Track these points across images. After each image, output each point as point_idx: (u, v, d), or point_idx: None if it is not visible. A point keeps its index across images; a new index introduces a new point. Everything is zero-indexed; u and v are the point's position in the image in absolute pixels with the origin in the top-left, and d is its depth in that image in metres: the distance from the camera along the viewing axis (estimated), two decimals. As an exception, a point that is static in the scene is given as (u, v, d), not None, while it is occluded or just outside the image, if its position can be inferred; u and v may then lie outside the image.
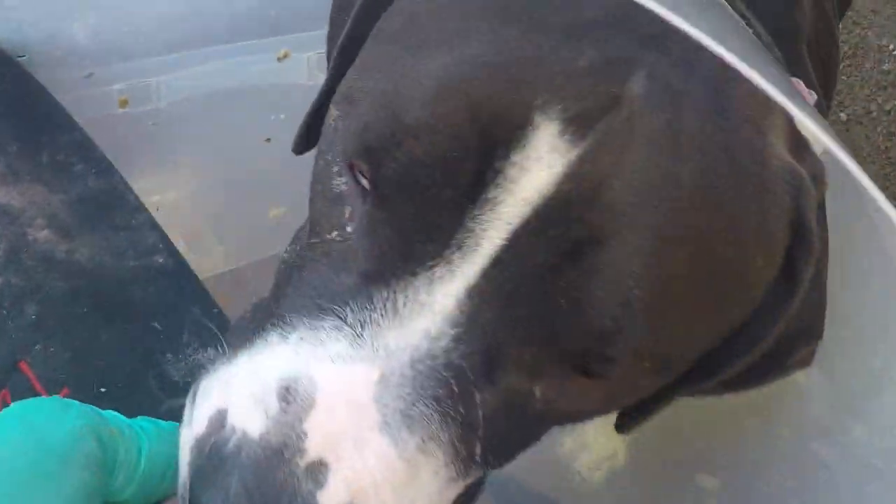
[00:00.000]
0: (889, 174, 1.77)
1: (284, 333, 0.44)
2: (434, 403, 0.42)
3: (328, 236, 0.46)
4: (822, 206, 0.53)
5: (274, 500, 0.40)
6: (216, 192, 1.04)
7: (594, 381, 0.45)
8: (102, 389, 0.62)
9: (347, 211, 0.45)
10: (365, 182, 0.44)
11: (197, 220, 1.02)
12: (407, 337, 0.42)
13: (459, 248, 0.41)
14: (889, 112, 1.82)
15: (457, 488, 0.46)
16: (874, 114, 1.82)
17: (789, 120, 0.51)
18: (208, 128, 1.01)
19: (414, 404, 0.42)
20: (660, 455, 0.88)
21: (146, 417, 0.48)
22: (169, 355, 0.70)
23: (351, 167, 0.44)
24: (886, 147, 1.79)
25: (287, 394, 0.41)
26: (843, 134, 1.78)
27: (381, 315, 0.42)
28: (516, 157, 0.41)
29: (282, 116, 1.03)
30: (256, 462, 0.40)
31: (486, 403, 0.44)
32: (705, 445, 0.87)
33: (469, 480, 0.47)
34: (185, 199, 1.03)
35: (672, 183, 0.41)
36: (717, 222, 0.43)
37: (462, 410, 0.43)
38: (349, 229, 0.45)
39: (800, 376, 0.87)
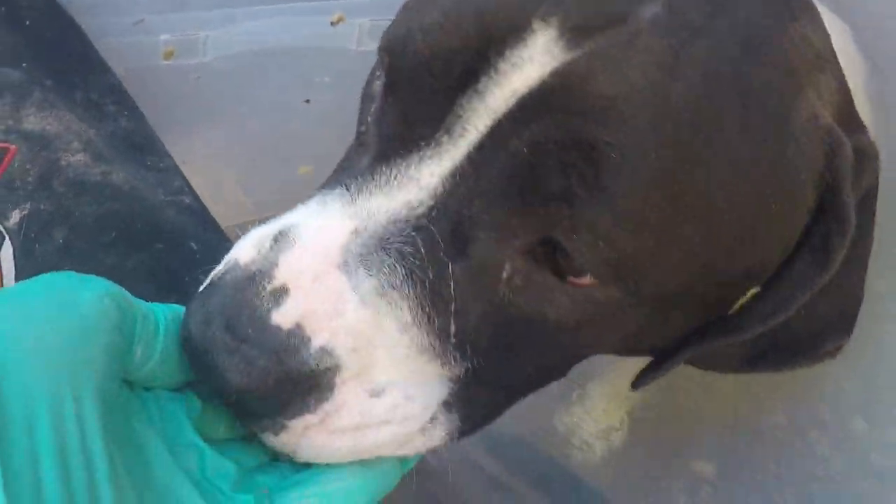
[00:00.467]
0: None
1: (305, 202, 0.51)
2: (398, 256, 0.47)
3: (361, 129, 0.53)
4: (870, 195, 0.54)
5: (237, 314, 0.46)
6: (248, 148, 1.04)
7: (563, 286, 0.48)
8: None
9: (372, 108, 0.51)
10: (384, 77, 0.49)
11: (225, 173, 1.03)
12: (389, 203, 0.47)
13: (448, 132, 0.46)
14: None
15: (434, 370, 0.49)
16: None
17: (844, 91, 0.52)
18: (251, 85, 1.01)
19: (374, 252, 0.47)
20: (657, 438, 0.89)
21: (164, 303, 0.49)
22: (200, 276, 0.72)
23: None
24: None
25: (279, 237, 0.48)
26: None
27: (376, 186, 0.48)
28: (510, 55, 0.45)
29: (326, 79, 1.02)
30: (234, 283, 0.47)
31: (456, 275, 0.47)
32: (702, 431, 0.87)
33: (450, 372, 0.50)
34: (217, 153, 1.03)
35: (661, 94, 0.43)
36: (713, 148, 0.44)
37: (431, 275, 0.47)
38: (370, 120, 0.51)
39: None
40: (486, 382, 0.52)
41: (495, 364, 0.51)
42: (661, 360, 0.57)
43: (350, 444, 0.49)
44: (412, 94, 0.48)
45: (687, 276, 0.48)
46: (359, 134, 0.53)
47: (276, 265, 0.47)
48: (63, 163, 0.67)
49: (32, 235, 0.66)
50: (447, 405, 0.51)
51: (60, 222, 0.67)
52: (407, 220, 0.47)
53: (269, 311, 0.46)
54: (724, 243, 0.47)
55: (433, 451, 0.53)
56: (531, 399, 0.94)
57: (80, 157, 0.69)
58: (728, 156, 0.45)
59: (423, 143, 0.47)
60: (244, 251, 0.49)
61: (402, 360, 0.48)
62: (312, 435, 0.48)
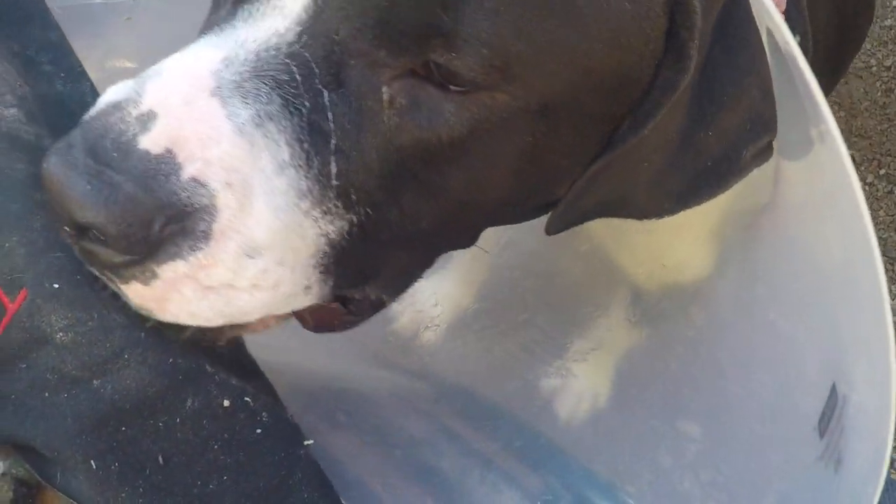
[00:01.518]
0: (886, 130, 1.73)
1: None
2: (274, 85, 0.45)
3: None
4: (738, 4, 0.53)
5: (101, 137, 0.43)
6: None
7: (448, 94, 0.46)
8: (56, 286, 0.57)
9: None
10: None
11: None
12: (256, 32, 0.46)
13: None
14: (889, 68, 1.78)
15: (312, 223, 0.47)
16: (874, 69, 1.78)
17: None
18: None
19: (250, 80, 0.45)
20: (642, 398, 0.87)
21: None
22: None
23: None
24: (885, 103, 1.75)
25: (149, 74, 0.46)
26: (842, 87, 1.74)
27: (240, 20, 0.47)
28: None
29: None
30: (98, 113, 0.45)
31: (333, 104, 0.46)
32: (687, 391, 0.85)
33: (329, 226, 0.47)
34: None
35: None
36: None
37: (308, 105, 0.46)
38: None
39: (783, 325, 0.84)
40: (373, 244, 0.49)
41: (384, 216, 0.49)
42: (569, 200, 0.55)
43: (220, 305, 0.46)
44: None
45: (568, 78, 0.48)
46: None
47: (143, 92, 0.45)
48: (-5, 111, 0.60)
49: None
50: (322, 274, 0.49)
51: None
52: (278, 47, 0.46)
53: (135, 135, 0.43)
54: (596, 47, 0.48)
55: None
56: (514, 362, 0.92)
57: (13, 111, 0.62)
58: None
59: None
60: (111, 91, 0.47)
61: (280, 209, 0.45)
62: (183, 287, 0.45)
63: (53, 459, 0.58)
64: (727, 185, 0.57)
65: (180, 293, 0.46)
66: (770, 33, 0.54)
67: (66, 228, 0.46)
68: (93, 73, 0.70)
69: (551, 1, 0.45)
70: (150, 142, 0.43)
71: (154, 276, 0.45)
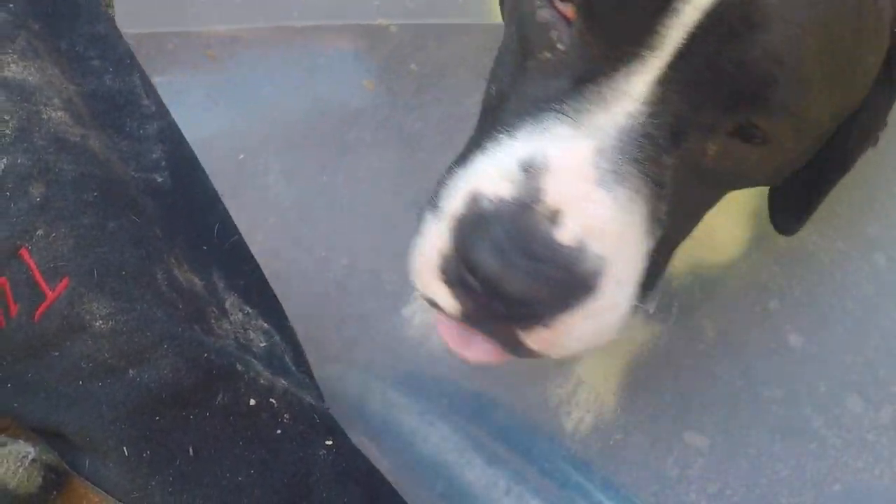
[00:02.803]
0: None
1: (512, 132, 0.57)
2: (636, 164, 0.54)
3: (539, 55, 0.58)
4: None
5: (525, 239, 0.53)
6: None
7: (754, 147, 0.57)
8: (101, 277, 0.58)
9: (555, 34, 0.57)
10: (566, 8, 0.56)
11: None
12: (613, 117, 0.54)
13: (650, 47, 0.53)
14: None
15: (649, 243, 0.58)
16: None
17: None
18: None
19: (622, 165, 0.54)
20: (649, 409, 0.87)
21: None
22: (173, 260, 0.66)
23: (551, 1, 0.57)
24: None
25: (527, 166, 0.54)
26: None
27: (592, 104, 0.55)
28: None
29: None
30: (511, 214, 0.53)
31: (671, 165, 0.56)
32: (696, 404, 0.85)
33: (653, 241, 0.58)
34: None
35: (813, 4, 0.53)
36: (845, 20, 0.55)
37: (655, 170, 0.55)
38: (560, 46, 0.57)
39: (795, 342, 0.85)
40: (658, 251, 0.60)
41: (677, 228, 0.61)
42: (807, 199, 0.69)
43: (596, 326, 0.57)
44: (611, 20, 0.53)
45: (825, 123, 0.59)
46: (537, 60, 0.58)
47: (544, 191, 0.54)
48: (44, 116, 0.61)
49: (7, 193, 0.59)
50: (639, 279, 0.59)
51: (38, 178, 0.60)
52: (633, 129, 0.54)
53: (551, 232, 0.53)
54: (842, 94, 0.58)
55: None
56: (524, 370, 0.92)
57: (60, 114, 0.63)
58: (853, 26, 0.55)
59: (628, 60, 0.54)
60: (498, 186, 0.55)
61: (640, 253, 0.57)
62: (577, 324, 0.55)
63: (84, 446, 0.58)
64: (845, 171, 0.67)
65: (574, 328, 0.56)
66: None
67: (491, 305, 0.55)
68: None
69: (841, 76, 0.56)
70: (567, 237, 0.53)
71: (557, 320, 0.55)
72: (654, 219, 0.57)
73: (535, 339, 0.57)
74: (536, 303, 0.54)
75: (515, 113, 0.58)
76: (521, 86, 0.59)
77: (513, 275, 0.52)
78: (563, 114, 0.55)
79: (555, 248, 0.53)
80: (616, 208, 0.54)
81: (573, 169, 0.54)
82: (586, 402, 0.89)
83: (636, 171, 0.54)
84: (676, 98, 0.54)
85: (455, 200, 0.56)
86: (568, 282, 0.54)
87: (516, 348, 0.59)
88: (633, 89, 0.54)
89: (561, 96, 0.55)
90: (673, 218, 0.59)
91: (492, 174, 0.55)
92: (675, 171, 0.56)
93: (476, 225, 0.54)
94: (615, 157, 0.54)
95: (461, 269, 0.55)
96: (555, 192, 0.54)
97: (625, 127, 0.54)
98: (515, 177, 0.54)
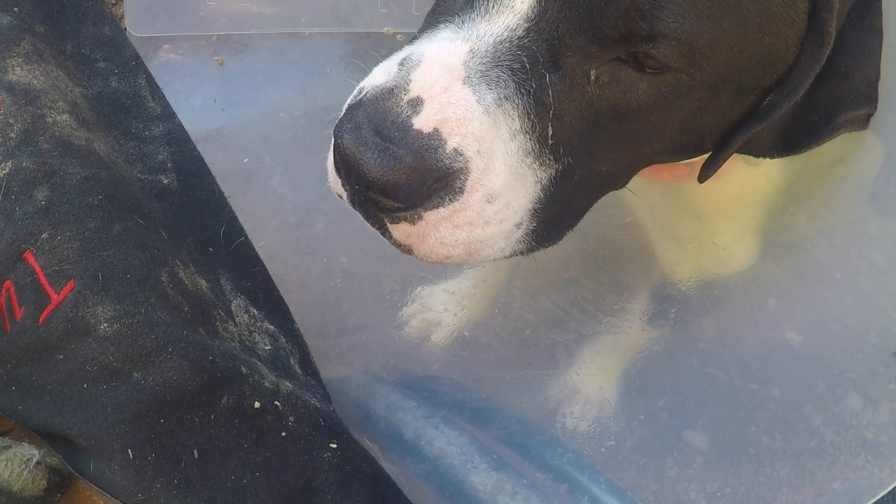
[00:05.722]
0: None
1: (412, 41, 0.59)
2: (510, 72, 0.56)
3: None
4: None
5: (382, 121, 0.55)
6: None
7: (643, 76, 0.57)
8: (106, 280, 0.57)
9: None
10: None
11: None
12: (493, 27, 0.57)
13: None
14: None
15: (541, 173, 0.59)
16: None
17: None
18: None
19: (492, 69, 0.56)
20: (649, 409, 0.85)
21: None
22: (179, 262, 0.64)
23: None
24: None
25: (403, 62, 0.57)
26: None
27: (478, 15, 0.57)
28: None
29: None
30: (374, 98, 0.56)
31: (553, 85, 0.57)
32: (695, 403, 0.84)
33: (543, 174, 0.59)
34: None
35: None
36: None
37: (534, 85, 0.56)
38: None
39: (794, 340, 0.83)
40: (564, 189, 0.61)
41: (579, 162, 0.60)
42: (715, 152, 0.67)
43: (463, 237, 0.58)
44: None
45: (732, 61, 0.59)
46: None
47: (410, 80, 0.56)
48: (49, 120, 0.60)
49: (13, 197, 0.58)
50: (531, 212, 0.60)
51: (43, 182, 0.59)
52: (510, 41, 0.56)
53: (409, 117, 0.55)
54: (755, 36, 0.59)
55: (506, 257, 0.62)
56: (522, 370, 0.90)
57: (65, 117, 0.62)
58: None
59: None
60: (376, 77, 0.58)
61: (511, 166, 0.57)
62: (440, 226, 0.57)
63: (88, 449, 0.57)
64: (819, 140, 0.67)
65: (437, 230, 0.58)
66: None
67: (356, 186, 0.57)
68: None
69: (726, 5, 0.57)
70: (422, 123, 0.55)
71: (420, 218, 0.57)
72: (540, 141, 0.58)
73: (400, 231, 0.58)
74: (391, 187, 0.55)
75: (422, 27, 0.61)
76: (435, 5, 0.63)
77: (363, 152, 0.54)
78: (450, 23, 0.58)
79: (406, 130, 0.55)
80: (479, 109, 0.56)
81: (442, 64, 0.56)
82: (587, 404, 0.88)
83: (511, 81, 0.56)
84: (556, 17, 0.56)
85: (350, 97, 0.59)
86: (421, 170, 0.55)
87: (391, 239, 0.60)
88: (516, 5, 0.56)
89: (456, 10, 0.59)
90: (572, 154, 0.60)
91: (377, 71, 0.59)
92: (559, 93, 0.57)
93: (348, 112, 0.57)
94: (486, 60, 0.56)
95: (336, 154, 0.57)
96: (420, 81, 0.56)
97: (503, 37, 0.56)
98: (391, 70, 0.57)
